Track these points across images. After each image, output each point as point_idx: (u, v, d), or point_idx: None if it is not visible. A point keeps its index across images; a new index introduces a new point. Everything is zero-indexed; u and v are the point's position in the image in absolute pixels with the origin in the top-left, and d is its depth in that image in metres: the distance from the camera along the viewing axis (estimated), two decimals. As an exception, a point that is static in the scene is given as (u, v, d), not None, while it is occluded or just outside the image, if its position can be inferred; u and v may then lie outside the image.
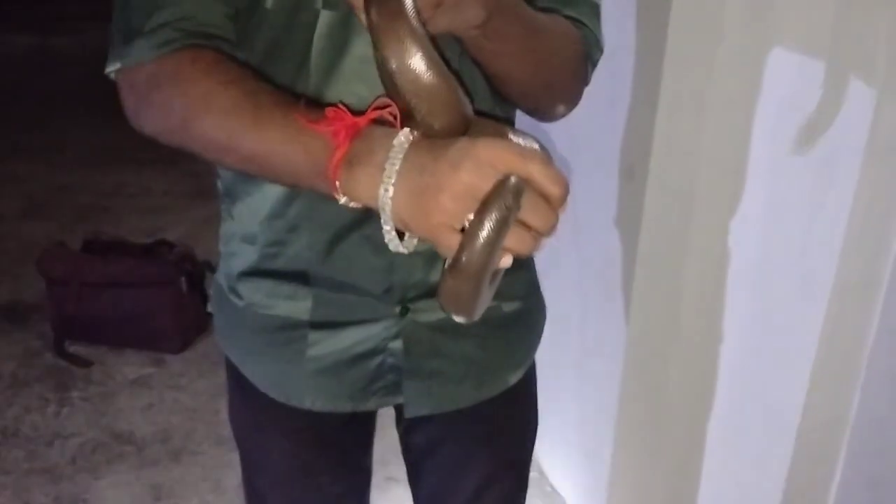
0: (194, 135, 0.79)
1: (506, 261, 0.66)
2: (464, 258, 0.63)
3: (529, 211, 0.63)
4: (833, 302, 1.16)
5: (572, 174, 1.82)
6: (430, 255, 0.98)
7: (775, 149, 1.21)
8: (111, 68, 0.85)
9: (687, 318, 1.46)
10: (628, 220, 1.60)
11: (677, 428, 1.52)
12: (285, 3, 0.86)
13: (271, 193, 0.95)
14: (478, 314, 0.71)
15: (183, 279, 2.82)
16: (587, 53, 0.95)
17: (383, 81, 0.68)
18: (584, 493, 2.03)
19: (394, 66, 0.65)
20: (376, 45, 0.66)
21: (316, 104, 0.74)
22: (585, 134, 1.76)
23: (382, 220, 0.68)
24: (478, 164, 0.63)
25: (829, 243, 1.14)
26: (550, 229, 0.65)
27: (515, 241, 0.64)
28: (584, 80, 0.97)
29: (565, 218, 0.66)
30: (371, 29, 0.67)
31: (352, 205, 0.71)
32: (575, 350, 1.94)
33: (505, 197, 0.61)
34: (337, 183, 0.69)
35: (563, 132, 1.82)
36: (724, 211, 1.33)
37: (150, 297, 2.77)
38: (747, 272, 1.29)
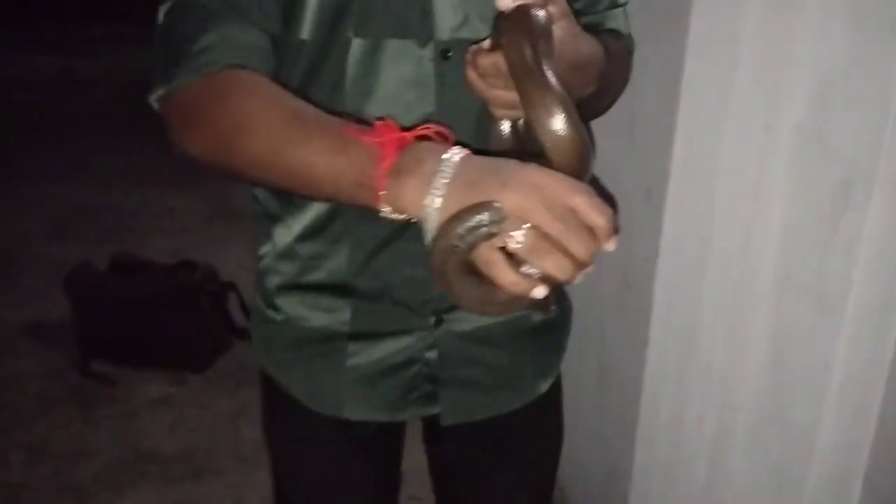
0: (239, 153, 0.80)
1: (538, 291, 0.67)
2: (432, 254, 0.68)
3: (572, 238, 0.65)
4: (850, 324, 1.17)
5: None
6: None
7: (792, 171, 1.22)
8: (156, 94, 0.86)
9: (705, 341, 1.47)
10: (647, 242, 1.62)
11: (697, 448, 1.53)
12: (319, 32, 0.90)
13: (313, 210, 0.98)
14: (471, 307, 0.73)
15: (206, 299, 2.85)
16: (631, 58, 1.10)
17: (527, 126, 0.76)
18: (603, 514, 2.03)
19: (538, 124, 0.72)
20: (527, 107, 0.73)
21: (358, 121, 0.78)
22: (603, 156, 1.77)
23: (425, 231, 0.69)
24: (526, 188, 0.65)
25: (845, 266, 1.15)
26: (589, 258, 0.66)
27: (554, 266, 0.66)
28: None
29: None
30: (521, 91, 0.74)
31: (393, 216, 0.72)
32: (595, 371, 1.95)
33: (479, 214, 0.65)
34: (382, 193, 0.71)
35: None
36: (741, 234, 1.34)
37: (173, 317, 2.81)
38: (764, 294, 1.30)
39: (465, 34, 0.92)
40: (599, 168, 1.78)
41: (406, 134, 0.72)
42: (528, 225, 0.65)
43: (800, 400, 1.27)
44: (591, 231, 0.66)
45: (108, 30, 8.41)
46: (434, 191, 0.67)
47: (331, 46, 0.90)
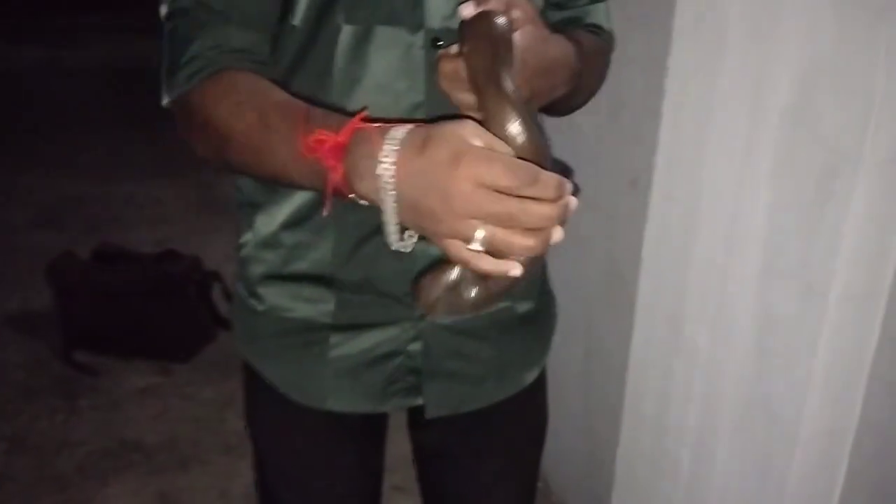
0: (228, 157, 0.83)
1: (515, 270, 0.68)
2: (420, 291, 0.78)
3: (525, 218, 0.64)
4: (835, 311, 1.17)
5: (577, 184, 1.84)
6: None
7: (777, 159, 1.22)
8: (164, 102, 0.90)
9: (690, 329, 1.47)
10: (632, 230, 1.61)
11: (680, 437, 1.53)
12: (310, 18, 0.89)
13: (297, 199, 0.98)
14: (466, 311, 0.79)
15: (191, 289, 2.84)
16: (609, 55, 1.09)
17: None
18: (589, 504, 2.04)
19: (494, 133, 0.73)
20: (484, 113, 0.75)
21: (320, 106, 0.78)
22: (590, 145, 1.77)
23: (386, 226, 0.71)
24: (467, 197, 0.64)
25: (830, 253, 1.15)
26: (551, 221, 0.65)
27: (520, 250, 0.65)
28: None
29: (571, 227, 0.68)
30: (479, 97, 0.75)
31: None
32: (580, 361, 1.94)
33: (450, 275, 0.74)
34: (350, 195, 0.72)
35: (568, 143, 1.84)
36: (727, 221, 1.34)
37: (158, 307, 2.79)
38: (749, 282, 1.30)
39: (456, 23, 0.92)
40: (586, 156, 1.79)
41: (339, 139, 0.71)
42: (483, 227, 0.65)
43: (784, 387, 1.27)
44: (543, 203, 0.65)
45: (94, 19, 8.37)
46: (386, 213, 0.69)
47: (320, 33, 0.90)
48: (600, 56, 1.05)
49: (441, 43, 0.92)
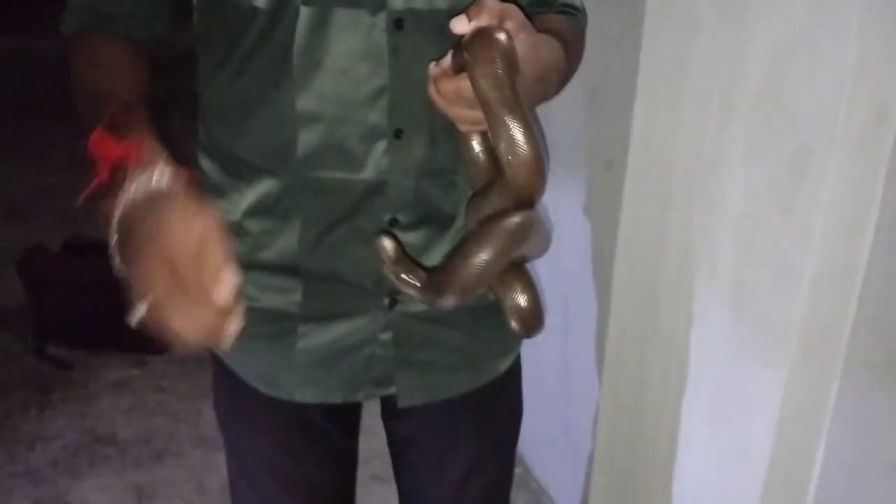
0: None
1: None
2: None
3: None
4: (810, 292, 1.16)
5: (552, 167, 1.83)
6: (418, 248, 0.99)
7: (750, 140, 1.21)
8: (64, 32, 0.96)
9: (665, 310, 1.46)
10: (608, 212, 1.60)
11: (657, 421, 1.52)
12: (271, 0, 0.87)
13: (262, 186, 0.95)
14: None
15: (164, 279, 2.80)
16: (584, 36, 1.07)
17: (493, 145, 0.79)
18: (568, 489, 2.03)
19: (501, 139, 0.76)
20: (496, 130, 0.76)
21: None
22: (565, 128, 1.76)
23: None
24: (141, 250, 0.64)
25: (804, 234, 1.14)
26: (202, 322, 0.65)
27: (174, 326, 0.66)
28: None
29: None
30: (490, 116, 0.76)
31: None
32: (558, 346, 1.94)
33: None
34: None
35: (546, 124, 1.82)
36: (701, 203, 1.33)
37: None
38: (724, 264, 1.29)
39: (419, 4, 0.90)
40: (561, 139, 1.77)
41: (116, 153, 0.73)
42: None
43: (760, 369, 1.26)
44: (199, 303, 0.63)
45: (62, 8, 8.25)
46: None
47: (281, 14, 0.88)
48: (579, 44, 1.04)
49: (404, 24, 0.90)
